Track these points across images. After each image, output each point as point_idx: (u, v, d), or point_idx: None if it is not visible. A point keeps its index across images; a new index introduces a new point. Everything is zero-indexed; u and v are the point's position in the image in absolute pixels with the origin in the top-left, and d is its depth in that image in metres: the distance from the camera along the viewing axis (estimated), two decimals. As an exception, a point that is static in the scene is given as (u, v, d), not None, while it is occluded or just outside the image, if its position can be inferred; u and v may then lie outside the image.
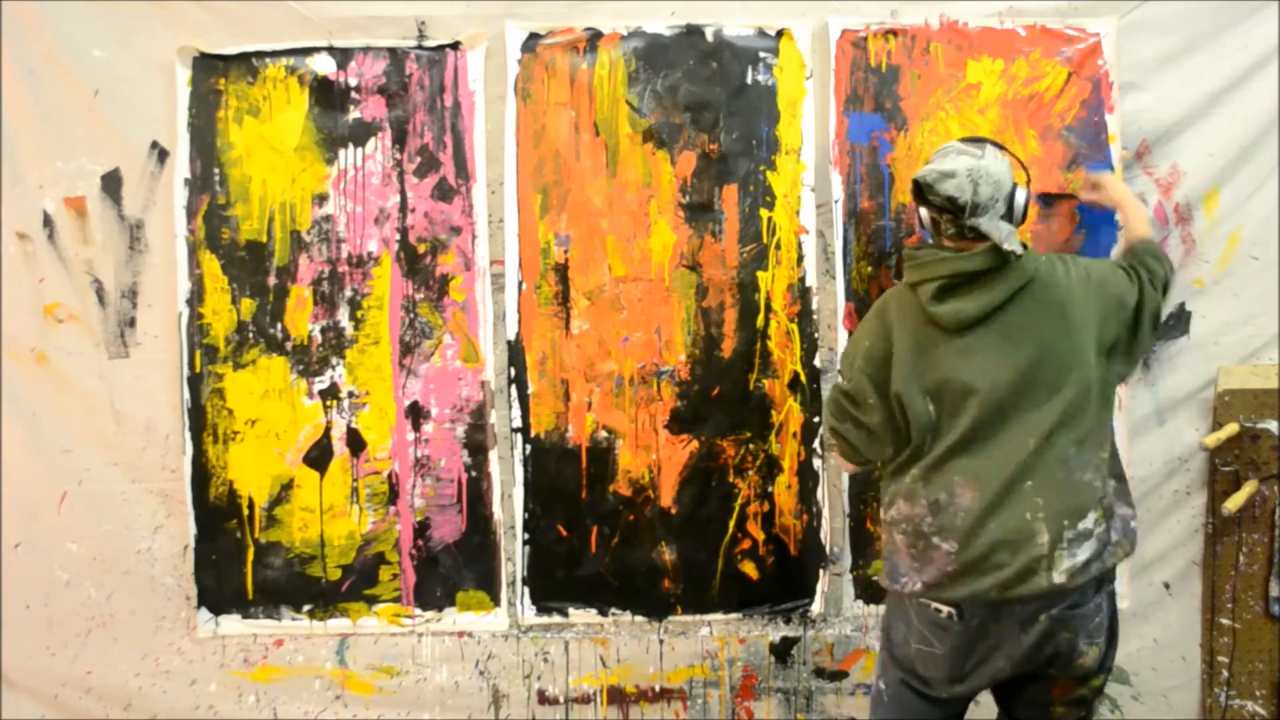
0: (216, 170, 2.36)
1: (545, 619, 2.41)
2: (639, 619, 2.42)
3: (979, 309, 1.77)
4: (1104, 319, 1.80)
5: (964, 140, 1.88)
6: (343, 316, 2.38)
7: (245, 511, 2.39)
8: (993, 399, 1.76)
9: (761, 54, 2.34)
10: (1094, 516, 1.76)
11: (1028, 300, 1.78)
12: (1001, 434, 1.76)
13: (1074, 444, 1.75)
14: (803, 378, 2.37)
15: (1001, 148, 1.86)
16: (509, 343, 2.38)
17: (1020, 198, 1.84)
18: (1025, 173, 1.95)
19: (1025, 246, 1.80)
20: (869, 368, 1.88)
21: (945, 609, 1.78)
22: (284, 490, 2.39)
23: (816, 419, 2.38)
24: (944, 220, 1.83)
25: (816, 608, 2.41)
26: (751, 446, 2.38)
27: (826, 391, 2.34)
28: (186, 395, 2.37)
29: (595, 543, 2.39)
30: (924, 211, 1.88)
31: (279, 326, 2.38)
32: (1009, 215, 1.82)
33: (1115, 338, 1.82)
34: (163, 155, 2.35)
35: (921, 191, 1.82)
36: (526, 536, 2.40)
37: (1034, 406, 1.75)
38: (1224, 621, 2.37)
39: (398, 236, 2.37)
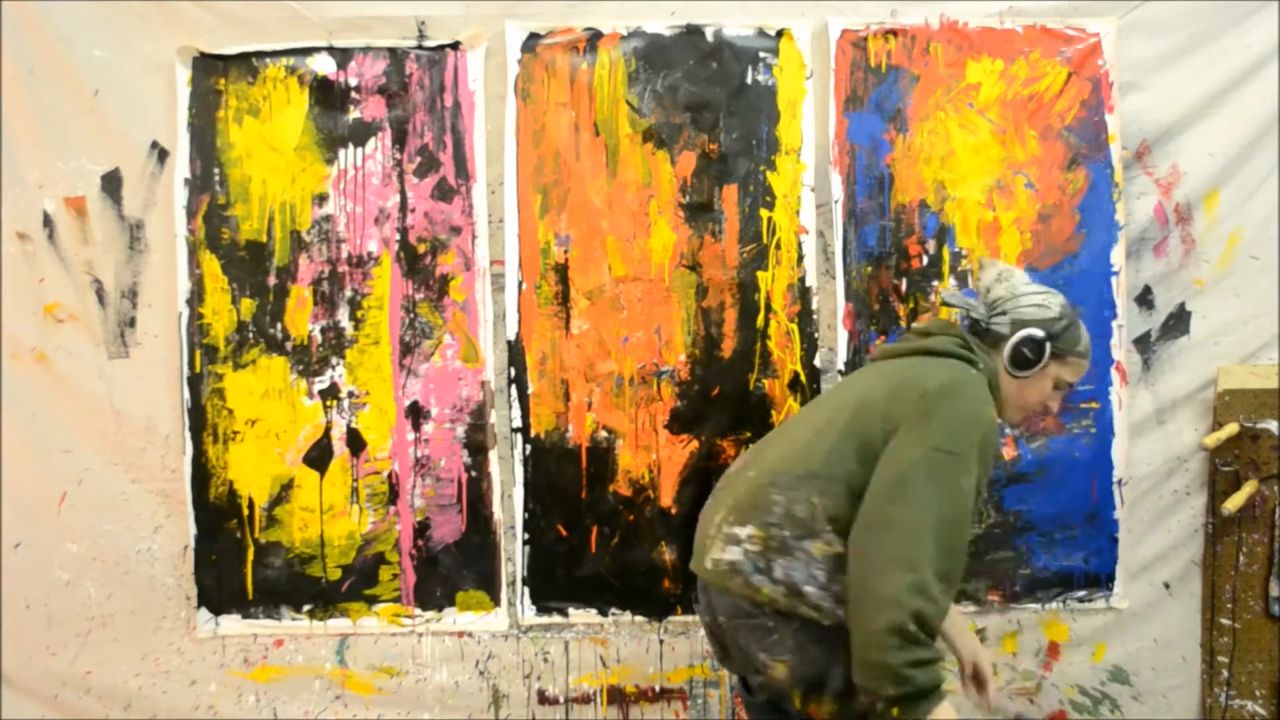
0: (216, 170, 2.36)
1: (545, 619, 2.41)
2: (639, 619, 2.42)
3: (884, 351, 1.91)
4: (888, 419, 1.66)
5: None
6: (343, 316, 2.38)
7: (245, 511, 2.39)
8: (814, 410, 1.85)
9: (761, 54, 2.34)
10: (751, 531, 1.67)
11: (903, 365, 1.80)
12: (787, 435, 1.83)
13: (804, 469, 1.67)
14: (803, 378, 2.37)
15: (1067, 313, 1.82)
16: (509, 343, 2.38)
17: (1017, 336, 1.77)
18: (1061, 331, 1.79)
19: (976, 361, 1.76)
20: None
21: None
22: (284, 490, 2.39)
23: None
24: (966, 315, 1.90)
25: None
26: (752, 446, 2.37)
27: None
28: (186, 395, 2.37)
29: (595, 543, 2.39)
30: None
31: (279, 326, 2.38)
32: (1004, 339, 1.79)
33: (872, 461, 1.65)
34: (163, 155, 2.35)
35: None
36: (526, 536, 2.40)
37: (821, 434, 1.70)
38: (1224, 621, 2.37)
39: (398, 236, 2.37)
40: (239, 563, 2.39)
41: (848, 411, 1.71)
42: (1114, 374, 2.36)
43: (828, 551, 1.63)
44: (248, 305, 2.37)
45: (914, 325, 1.95)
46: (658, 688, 2.43)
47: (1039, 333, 1.77)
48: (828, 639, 1.63)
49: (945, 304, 1.97)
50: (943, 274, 2.35)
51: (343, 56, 2.34)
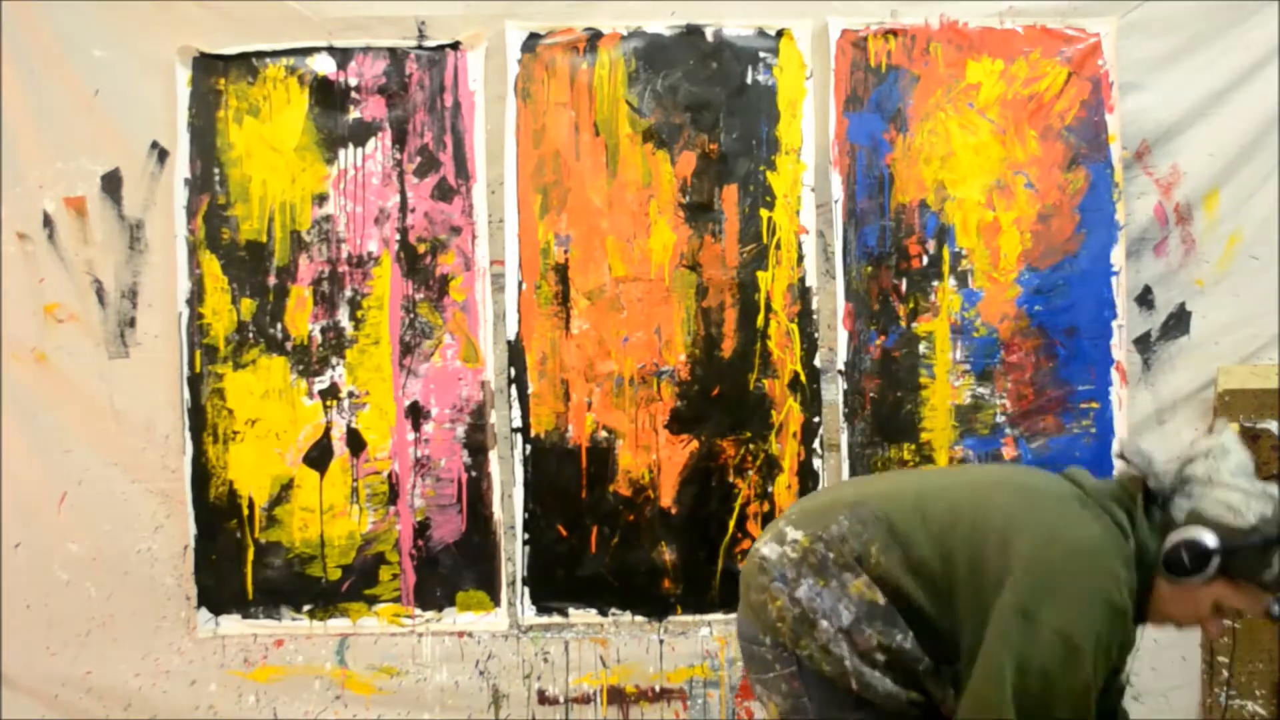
0: (216, 170, 2.36)
1: (545, 619, 2.41)
2: (639, 619, 2.42)
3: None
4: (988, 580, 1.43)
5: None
6: (343, 316, 2.38)
7: (245, 511, 2.39)
8: (929, 485, 1.63)
9: (761, 54, 2.34)
10: (798, 536, 1.55)
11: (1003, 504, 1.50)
12: (904, 479, 1.75)
13: (876, 517, 1.51)
14: (803, 378, 2.37)
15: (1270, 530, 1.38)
16: (509, 343, 2.38)
17: (1183, 534, 1.38)
18: (1241, 546, 1.37)
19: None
20: None
21: None
22: (284, 490, 2.39)
23: (816, 419, 2.38)
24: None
25: (816, 608, 2.41)
26: (751, 446, 2.37)
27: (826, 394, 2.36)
28: (186, 395, 2.37)
29: (595, 543, 2.39)
30: None
31: (279, 326, 2.38)
32: (1173, 527, 1.41)
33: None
34: (163, 155, 2.35)
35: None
36: (526, 536, 2.40)
37: (917, 530, 1.50)
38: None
39: (398, 236, 2.37)
40: (239, 563, 2.39)
41: (967, 516, 1.48)
42: (1114, 374, 2.36)
43: (865, 595, 1.49)
44: (248, 305, 2.37)
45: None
46: (658, 688, 2.43)
47: (1211, 541, 1.36)
48: (824, 693, 1.50)
49: (1121, 457, 1.52)
50: (943, 274, 2.35)
51: (343, 56, 2.34)
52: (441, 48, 2.35)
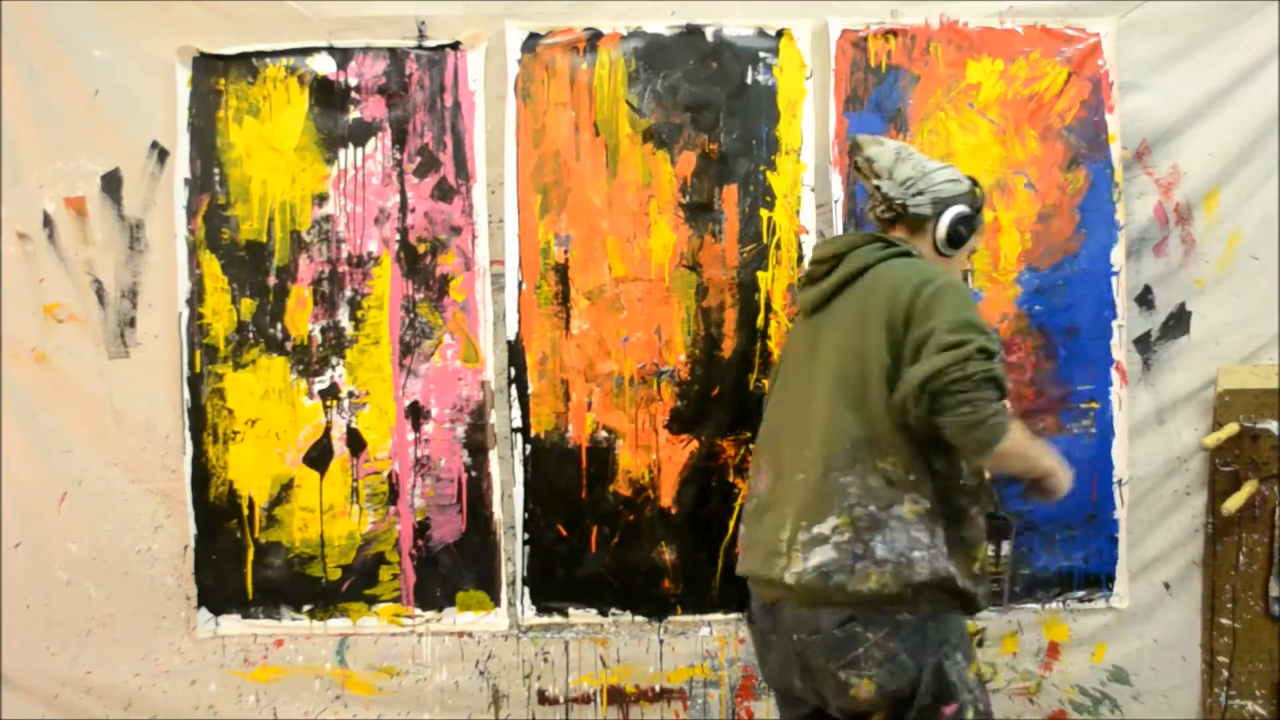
0: (216, 170, 2.36)
1: (545, 619, 2.41)
2: (639, 619, 2.42)
3: (814, 297, 1.81)
4: (893, 325, 1.65)
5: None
6: (343, 316, 2.38)
7: (245, 511, 2.39)
8: (802, 388, 1.76)
9: (761, 54, 2.34)
10: (834, 523, 1.62)
11: (853, 292, 1.74)
12: (801, 424, 1.73)
13: (850, 442, 1.64)
14: (803, 378, 2.37)
15: (974, 182, 1.85)
16: (509, 343, 2.38)
17: (949, 215, 1.79)
18: (978, 204, 1.86)
19: (900, 245, 1.78)
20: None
21: (747, 612, 1.82)
22: (284, 490, 2.39)
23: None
24: (875, 197, 1.86)
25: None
26: (751, 446, 2.37)
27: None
28: (186, 395, 2.37)
29: (595, 543, 2.39)
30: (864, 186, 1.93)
31: (279, 326, 2.38)
32: (934, 225, 1.81)
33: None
34: (163, 155, 2.36)
35: (853, 158, 1.90)
36: (526, 536, 2.40)
37: (832, 400, 1.68)
38: (1224, 621, 2.37)
39: (398, 236, 2.37)
40: (239, 563, 2.39)
41: (851, 360, 1.66)
42: (1114, 374, 2.36)
43: (918, 510, 1.61)
44: (248, 305, 2.37)
45: (818, 258, 1.85)
46: (658, 688, 2.43)
47: (966, 209, 1.80)
48: (917, 638, 1.59)
49: (886, 198, 1.83)
50: (943, 274, 2.35)
51: (343, 56, 2.34)
52: (441, 48, 2.35)
